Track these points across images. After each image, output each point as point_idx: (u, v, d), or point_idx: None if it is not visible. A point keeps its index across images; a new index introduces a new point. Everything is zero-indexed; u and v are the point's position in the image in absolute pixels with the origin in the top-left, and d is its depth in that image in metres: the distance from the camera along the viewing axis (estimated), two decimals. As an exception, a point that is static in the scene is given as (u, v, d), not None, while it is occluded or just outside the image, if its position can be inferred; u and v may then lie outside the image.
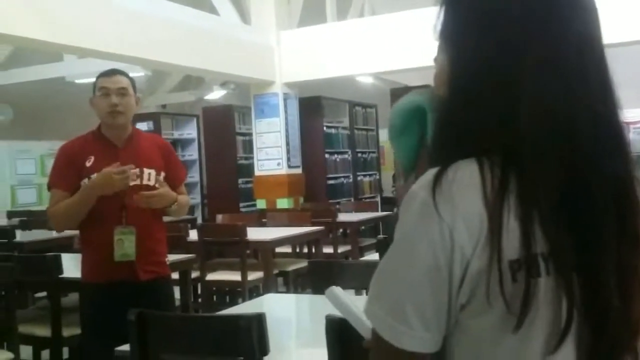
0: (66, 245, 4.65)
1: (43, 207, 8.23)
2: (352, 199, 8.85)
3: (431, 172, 0.83)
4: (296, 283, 5.02)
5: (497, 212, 0.79)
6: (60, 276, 3.23)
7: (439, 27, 0.92)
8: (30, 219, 6.83)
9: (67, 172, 2.54)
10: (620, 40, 5.02)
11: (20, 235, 5.39)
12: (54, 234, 5.69)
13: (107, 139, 2.61)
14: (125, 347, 1.79)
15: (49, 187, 2.60)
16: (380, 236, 3.89)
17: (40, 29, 4.57)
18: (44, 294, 4.24)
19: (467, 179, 0.81)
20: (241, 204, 8.71)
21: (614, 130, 0.85)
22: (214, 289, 4.90)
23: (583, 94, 0.83)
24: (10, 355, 2.82)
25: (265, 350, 1.62)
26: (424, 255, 0.81)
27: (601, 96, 0.85)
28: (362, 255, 5.68)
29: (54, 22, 4.64)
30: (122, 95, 2.56)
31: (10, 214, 7.98)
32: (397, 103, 1.01)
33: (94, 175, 2.51)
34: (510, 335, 0.80)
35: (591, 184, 0.81)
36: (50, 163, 8.42)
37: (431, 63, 1.03)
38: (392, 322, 0.83)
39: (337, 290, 1.05)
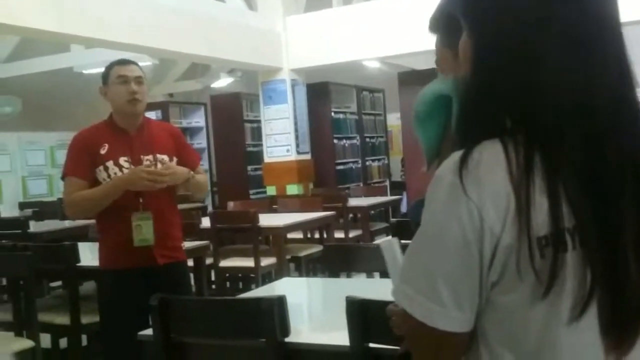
0: (80, 235, 4.69)
1: (54, 198, 8.32)
2: (361, 184, 8.87)
3: (456, 154, 0.85)
4: (308, 268, 5.05)
5: (523, 190, 0.81)
6: (77, 264, 3.26)
7: (459, 7, 0.93)
8: (42, 210, 6.88)
9: (82, 160, 2.56)
10: (636, 19, 4.97)
11: (33, 226, 5.44)
12: (66, 223, 5.75)
13: (120, 127, 2.63)
14: (148, 332, 1.82)
15: (64, 176, 2.61)
16: (394, 220, 3.90)
17: (47, 20, 4.58)
18: (59, 283, 4.30)
19: (492, 159, 0.83)
20: (251, 191, 8.73)
21: (632, 107, 0.87)
22: (228, 275, 4.94)
23: (602, 71, 0.84)
24: (31, 343, 2.86)
25: (286, 332, 1.65)
26: (454, 234, 0.83)
27: (619, 74, 0.86)
28: (372, 240, 5.71)
29: (61, 12, 4.64)
30: (139, 83, 2.60)
31: (22, 205, 8.05)
32: (422, 90, 1.03)
33: (109, 163, 2.53)
34: (539, 306, 0.82)
35: (611, 160, 0.83)
36: (59, 154, 8.44)
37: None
38: (424, 300, 0.85)
39: (395, 243, 1.05)
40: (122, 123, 2.63)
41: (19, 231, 5.01)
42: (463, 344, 0.88)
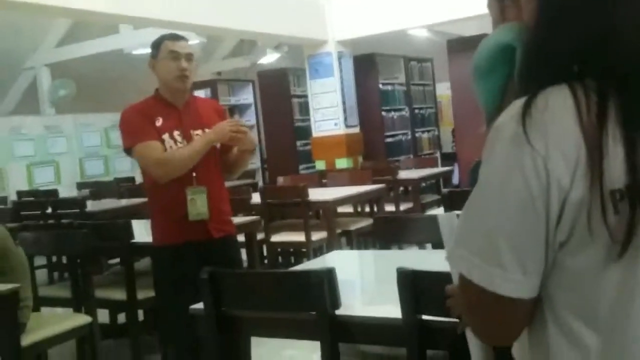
0: (135, 213, 4.79)
1: (110, 178, 8.55)
2: (411, 156, 8.75)
3: (518, 102, 0.78)
4: (359, 242, 5.03)
5: (596, 139, 0.73)
6: (132, 241, 3.33)
7: None
8: (99, 190, 7.07)
9: (147, 126, 2.55)
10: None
11: (90, 205, 5.60)
12: (122, 202, 5.90)
13: (168, 102, 2.64)
14: (199, 305, 1.83)
15: (132, 145, 2.53)
16: (445, 190, 3.82)
17: (97, 1, 4.64)
18: (117, 260, 4.41)
19: (559, 105, 0.76)
20: (300, 166, 8.76)
21: None
22: (279, 250, 4.97)
23: None
24: (89, 318, 2.94)
25: (336, 305, 1.63)
26: (517, 189, 0.75)
27: None
28: (424, 212, 5.63)
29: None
30: (189, 60, 2.59)
31: (80, 185, 8.29)
32: (483, 41, 0.95)
33: (165, 136, 2.54)
34: (613, 268, 0.75)
35: None
36: (114, 135, 8.63)
37: (487, 10, 0.97)
38: (482, 263, 0.77)
39: (454, 217, 0.98)
40: (170, 98, 2.64)
41: (77, 210, 5.17)
42: (527, 311, 0.80)
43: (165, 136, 2.56)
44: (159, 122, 2.57)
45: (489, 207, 0.78)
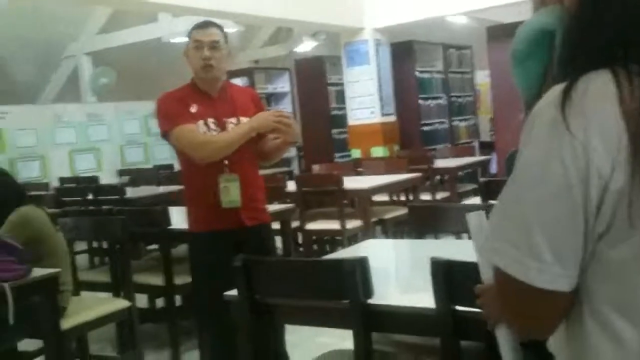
0: (173, 199, 4.86)
1: (150, 165, 8.68)
2: (449, 145, 8.65)
3: (558, 87, 0.75)
4: (395, 231, 5.01)
5: (639, 125, 0.70)
6: (169, 227, 3.38)
7: None
8: (139, 176, 7.20)
9: (183, 110, 2.57)
10: None
11: (130, 192, 5.70)
12: (161, 189, 5.99)
13: (203, 90, 2.65)
14: (233, 292, 1.84)
15: (170, 129, 2.55)
16: (482, 179, 3.77)
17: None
18: (155, 246, 4.49)
19: (601, 90, 0.73)
20: (336, 155, 8.74)
21: None
22: (314, 238, 4.98)
23: None
24: (127, 303, 3.00)
25: (369, 293, 1.62)
26: (554, 177, 0.73)
27: None
28: (460, 201, 5.56)
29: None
30: (214, 48, 2.57)
31: (121, 172, 8.46)
32: (522, 25, 0.92)
33: (200, 122, 2.55)
34: None
35: None
36: (153, 122, 8.75)
37: None
38: (518, 254, 0.75)
39: (483, 216, 0.96)
40: (204, 86, 2.65)
41: (117, 197, 5.27)
42: (564, 304, 0.78)
43: (200, 123, 2.57)
44: (193, 109, 2.58)
45: (525, 196, 0.76)
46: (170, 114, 2.58)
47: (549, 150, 0.74)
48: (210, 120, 2.59)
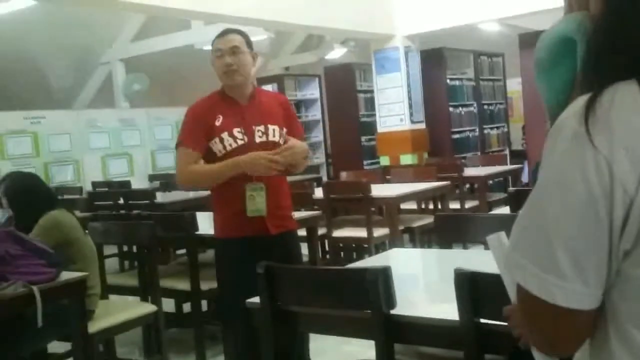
0: (203, 205, 4.89)
1: (180, 170, 8.74)
2: (479, 153, 8.55)
3: (582, 99, 0.73)
4: (422, 239, 4.96)
5: None
6: (197, 233, 3.40)
7: None
8: (169, 182, 7.28)
9: (196, 132, 2.62)
10: None
11: (160, 197, 5.76)
12: (190, 194, 6.04)
13: (231, 98, 2.66)
14: (256, 300, 1.84)
15: (178, 145, 2.69)
16: (512, 189, 3.71)
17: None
18: (184, 251, 4.53)
19: (627, 103, 0.70)
20: (365, 162, 8.72)
21: None
22: (341, 245, 4.97)
23: None
24: (154, 307, 3.03)
25: (392, 304, 1.60)
26: (578, 193, 0.70)
27: None
28: (490, 211, 5.49)
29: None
30: (235, 53, 2.58)
31: (152, 177, 8.56)
32: (544, 33, 0.89)
33: (224, 135, 2.57)
34: None
35: None
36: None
37: (562, 3, 0.91)
38: (539, 271, 0.73)
39: (503, 237, 0.93)
40: (232, 93, 2.66)
41: (147, 202, 5.33)
42: (588, 323, 0.75)
43: (224, 135, 2.58)
44: (219, 121, 2.60)
45: (547, 211, 0.73)
46: (184, 131, 2.68)
47: (571, 164, 0.71)
48: (236, 130, 2.60)
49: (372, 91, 7.90)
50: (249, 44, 2.65)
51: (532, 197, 0.77)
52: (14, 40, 7.54)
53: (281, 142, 2.63)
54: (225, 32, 2.65)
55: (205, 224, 3.46)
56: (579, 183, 0.70)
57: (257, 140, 2.59)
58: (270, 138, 2.62)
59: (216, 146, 2.61)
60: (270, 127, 2.64)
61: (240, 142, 2.58)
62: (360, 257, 4.97)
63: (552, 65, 0.87)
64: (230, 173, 2.54)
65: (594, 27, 0.78)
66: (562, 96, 0.87)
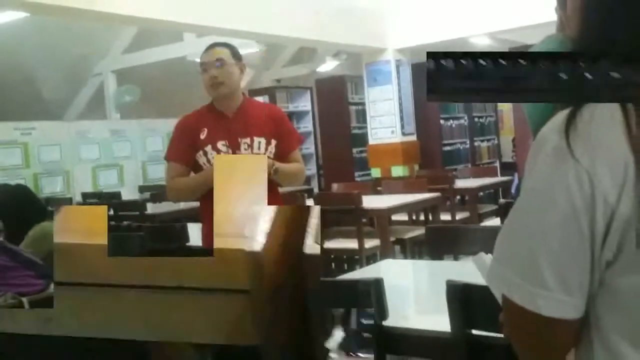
0: (192, 216, 4.88)
1: (171, 182, 8.73)
2: (470, 165, 8.60)
3: (562, 113, 0.74)
4: (413, 251, 4.97)
5: None
6: (187, 244, 3.39)
7: None
8: (160, 193, 7.24)
9: (183, 146, 2.64)
10: None
11: (151, 208, 5.74)
12: (181, 205, 6.01)
13: (218, 110, 2.66)
14: (248, 311, 1.83)
15: (166, 159, 2.74)
16: (502, 200, 3.73)
17: (162, 10, 4.79)
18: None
19: (607, 117, 0.71)
20: (356, 173, 8.74)
21: None
22: (332, 256, 4.97)
23: None
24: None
25: (384, 315, 1.60)
26: (560, 205, 0.71)
27: None
28: (481, 222, 5.51)
29: (174, 2, 4.84)
30: (220, 67, 2.58)
31: (142, 189, 8.53)
32: (527, 52, 0.92)
33: (208, 148, 2.57)
34: None
35: None
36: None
37: (554, 18, 0.93)
38: (523, 282, 0.74)
39: (486, 257, 0.96)
40: (220, 106, 2.67)
41: (137, 213, 5.31)
42: (572, 333, 0.77)
43: (208, 148, 2.59)
44: (203, 134, 2.61)
45: (529, 223, 0.75)
46: (171, 144, 2.73)
47: (553, 176, 0.73)
48: (221, 143, 2.59)
49: (363, 103, 7.94)
50: (235, 55, 2.65)
51: (515, 210, 0.78)
52: (6, 52, 7.53)
53: (270, 154, 2.59)
54: (209, 47, 2.68)
55: (196, 235, 3.45)
56: (561, 195, 0.72)
57: (243, 152, 2.58)
58: (255, 150, 2.60)
59: (201, 159, 2.62)
60: (256, 139, 2.61)
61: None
62: (351, 269, 4.97)
63: None
64: (208, 183, 2.52)
65: (573, 45, 0.80)
66: (545, 112, 0.89)
